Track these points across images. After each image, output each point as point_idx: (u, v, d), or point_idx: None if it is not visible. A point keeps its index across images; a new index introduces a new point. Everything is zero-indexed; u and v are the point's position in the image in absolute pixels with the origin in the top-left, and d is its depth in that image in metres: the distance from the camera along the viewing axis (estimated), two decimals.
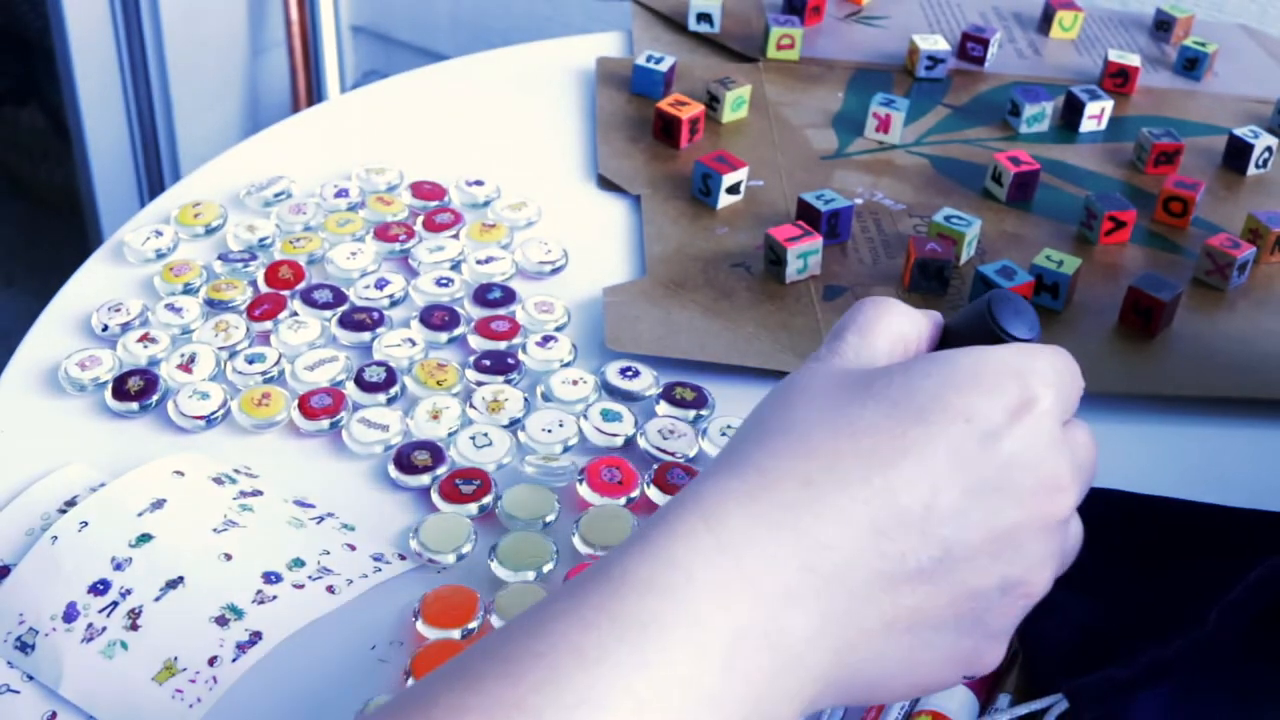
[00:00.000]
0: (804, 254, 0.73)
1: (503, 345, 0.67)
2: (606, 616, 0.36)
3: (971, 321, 0.45)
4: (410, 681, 0.50)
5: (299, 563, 0.53)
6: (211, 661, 0.49)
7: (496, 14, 1.61)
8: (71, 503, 0.56)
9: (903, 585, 0.39)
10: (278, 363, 0.65)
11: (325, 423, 0.62)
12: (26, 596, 0.51)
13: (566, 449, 0.62)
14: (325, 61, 1.65)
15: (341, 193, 0.77)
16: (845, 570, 0.38)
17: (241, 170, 0.80)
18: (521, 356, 0.67)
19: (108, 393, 0.63)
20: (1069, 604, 0.54)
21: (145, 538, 0.52)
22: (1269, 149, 0.86)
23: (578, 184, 0.82)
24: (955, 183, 0.83)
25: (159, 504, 0.54)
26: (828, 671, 0.39)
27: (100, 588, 0.51)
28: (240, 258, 0.71)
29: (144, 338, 0.66)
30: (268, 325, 0.67)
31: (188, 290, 0.69)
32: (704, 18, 0.97)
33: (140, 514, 0.53)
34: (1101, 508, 0.60)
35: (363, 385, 0.64)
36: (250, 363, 0.65)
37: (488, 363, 0.66)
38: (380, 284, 0.70)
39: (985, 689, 0.52)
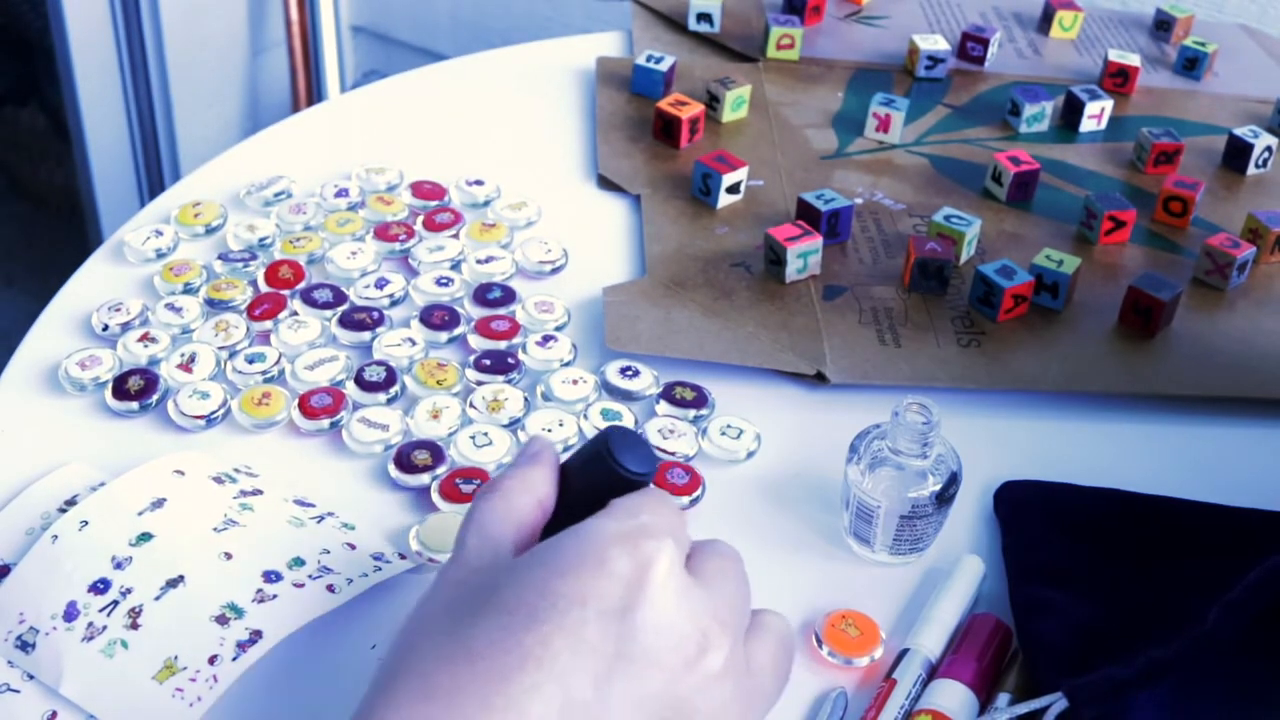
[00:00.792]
0: (804, 254, 0.73)
1: (503, 345, 0.67)
2: None
3: (589, 462, 0.45)
4: None
5: (299, 562, 0.53)
6: (212, 660, 0.49)
7: (496, 14, 1.61)
8: (72, 501, 0.56)
9: None
10: (278, 362, 0.65)
11: (325, 422, 0.62)
12: (27, 596, 0.51)
13: (566, 449, 0.62)
14: (325, 61, 1.65)
15: (341, 193, 0.77)
16: None
17: (241, 170, 0.80)
18: (521, 356, 0.67)
19: (108, 392, 0.63)
20: (1068, 604, 0.54)
21: (145, 536, 0.52)
22: (1269, 149, 0.86)
23: (578, 184, 0.82)
24: (955, 182, 0.83)
25: (159, 503, 0.54)
26: None
27: (100, 587, 0.51)
28: (240, 257, 0.71)
29: (144, 337, 0.66)
30: (268, 325, 0.67)
31: (188, 290, 0.69)
32: (704, 18, 0.97)
33: (140, 513, 0.53)
34: (1101, 508, 0.61)
35: (363, 385, 0.64)
36: (250, 362, 0.65)
37: (488, 362, 0.66)
38: (380, 284, 0.70)
39: (985, 688, 0.52)
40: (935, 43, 0.94)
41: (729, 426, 0.63)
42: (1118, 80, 0.94)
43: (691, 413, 0.64)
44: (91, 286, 0.70)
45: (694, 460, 0.62)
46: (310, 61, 1.64)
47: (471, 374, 0.65)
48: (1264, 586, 0.52)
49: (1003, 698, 0.51)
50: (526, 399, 0.64)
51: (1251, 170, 0.86)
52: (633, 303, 0.70)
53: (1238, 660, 0.51)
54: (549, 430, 0.62)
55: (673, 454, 0.62)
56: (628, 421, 0.63)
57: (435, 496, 0.59)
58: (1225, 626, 0.51)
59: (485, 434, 0.62)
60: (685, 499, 0.59)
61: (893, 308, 0.72)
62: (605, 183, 0.81)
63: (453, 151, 0.84)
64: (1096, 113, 0.89)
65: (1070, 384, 0.68)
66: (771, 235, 0.73)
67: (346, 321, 0.68)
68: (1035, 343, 0.70)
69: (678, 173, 0.82)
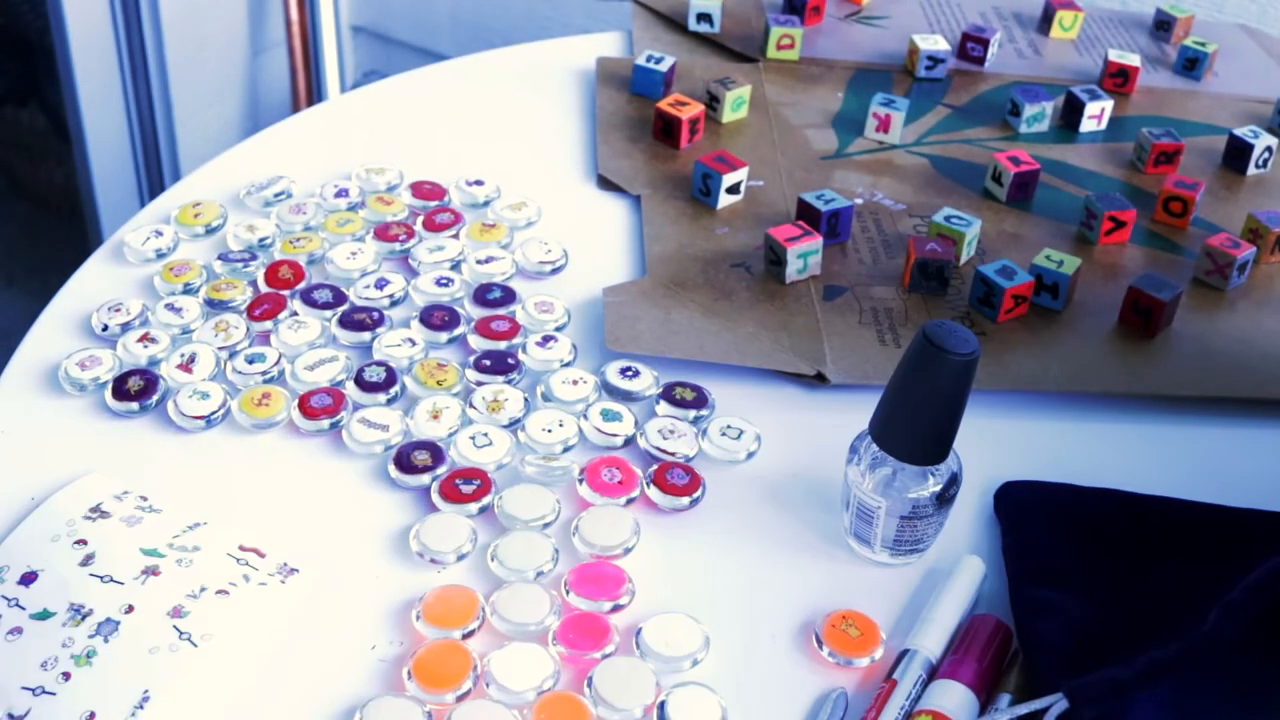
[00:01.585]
0: (804, 254, 0.73)
1: (503, 345, 0.67)
2: None
3: None
4: (410, 681, 0.50)
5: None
6: None
7: (496, 14, 1.61)
8: (96, 509, 0.56)
9: None
10: (278, 363, 0.65)
11: (325, 423, 0.62)
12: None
13: (566, 449, 0.62)
14: (325, 61, 1.65)
15: (341, 193, 0.77)
16: None
17: (241, 170, 0.80)
18: (521, 356, 0.67)
19: (108, 393, 0.63)
20: (1068, 604, 0.55)
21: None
22: (1269, 149, 0.86)
23: (578, 184, 0.82)
24: (955, 183, 0.83)
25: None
26: None
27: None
28: (240, 258, 0.71)
29: (144, 338, 0.66)
30: (268, 325, 0.67)
31: (188, 290, 0.69)
32: (704, 18, 0.97)
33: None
34: (1101, 508, 0.61)
35: (363, 385, 0.64)
36: (250, 363, 0.65)
37: (488, 363, 0.66)
38: (380, 284, 0.70)
39: (985, 689, 0.52)
40: (935, 43, 0.94)
41: (729, 427, 0.63)
42: (1118, 80, 0.94)
43: (691, 413, 0.64)
44: (91, 286, 0.70)
45: (694, 461, 0.62)
46: (310, 61, 1.64)
47: (471, 374, 0.65)
48: (1264, 587, 0.52)
49: (1003, 698, 0.51)
50: (526, 399, 0.64)
51: (1251, 170, 0.86)
52: (633, 303, 0.70)
53: (1238, 660, 0.51)
54: (549, 431, 0.62)
55: (673, 454, 0.62)
56: (627, 422, 0.63)
57: (435, 497, 0.59)
58: (1225, 627, 0.51)
59: (485, 434, 0.62)
60: (685, 499, 0.59)
61: (893, 308, 0.72)
62: (605, 183, 0.81)
63: (453, 151, 0.84)
64: (1096, 113, 0.89)
65: (1070, 384, 0.68)
66: (771, 235, 0.73)
67: (346, 322, 0.68)
68: (1035, 343, 0.70)
69: (678, 173, 0.82)
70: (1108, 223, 0.78)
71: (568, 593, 0.55)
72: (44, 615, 0.51)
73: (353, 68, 1.75)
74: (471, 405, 0.63)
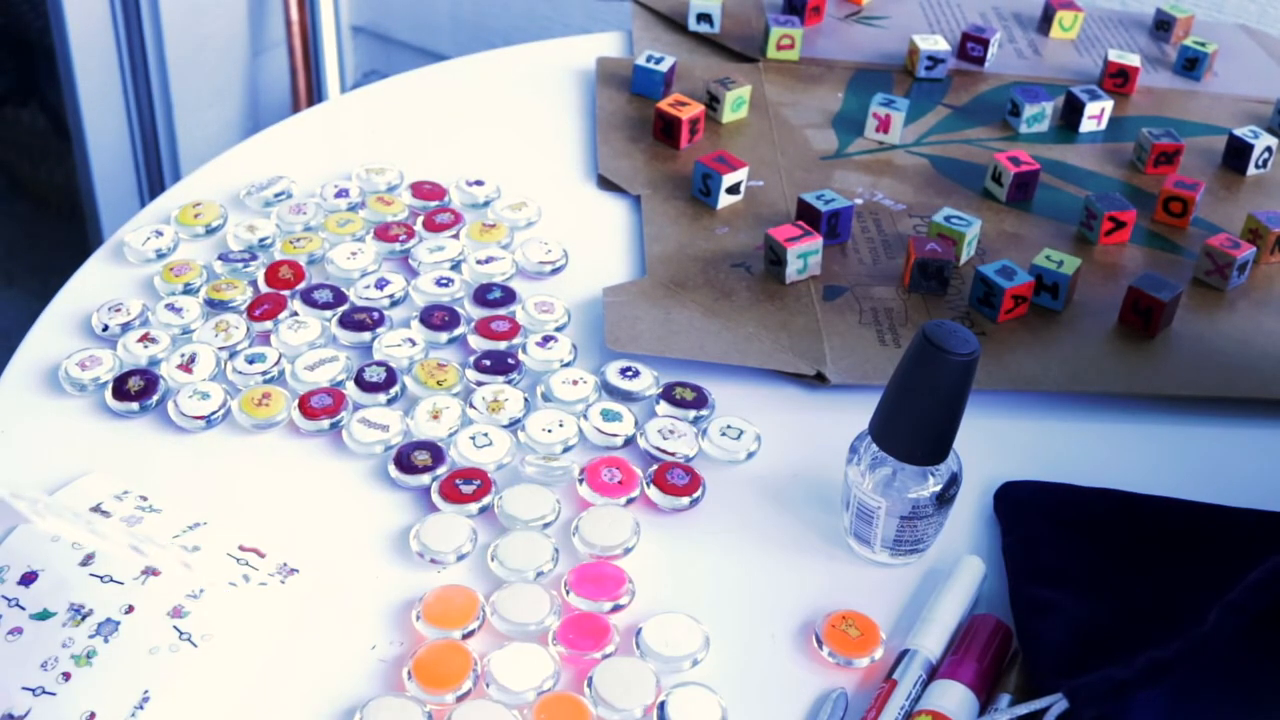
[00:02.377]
0: (804, 254, 0.73)
1: (503, 345, 0.67)
2: None
3: None
4: (410, 681, 0.50)
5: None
6: None
7: (496, 14, 1.61)
8: (97, 509, 0.56)
9: None
10: (278, 363, 0.65)
11: (325, 423, 0.62)
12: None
13: (566, 449, 0.62)
14: (325, 61, 1.65)
15: (341, 193, 0.77)
16: None
17: (241, 170, 0.80)
18: (521, 356, 0.67)
19: (108, 393, 0.63)
20: (1068, 604, 0.55)
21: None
22: (1269, 149, 0.86)
23: (578, 184, 0.82)
24: (955, 183, 0.83)
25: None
26: None
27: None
28: (240, 258, 0.71)
29: (144, 338, 0.66)
30: (268, 325, 0.67)
31: (188, 290, 0.69)
32: (704, 18, 0.97)
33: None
34: (1101, 507, 0.61)
35: (363, 385, 0.64)
36: (250, 363, 0.65)
37: (488, 363, 0.66)
38: (380, 284, 0.70)
39: (985, 689, 0.52)
40: (935, 43, 0.94)
41: (729, 427, 0.63)
42: (1118, 80, 0.94)
43: (691, 413, 0.64)
44: (91, 286, 0.70)
45: (694, 461, 0.62)
46: (310, 61, 1.64)
47: (471, 374, 0.65)
48: (1264, 586, 0.52)
49: (1003, 698, 0.51)
50: (526, 399, 0.64)
51: (1251, 170, 0.86)
52: (633, 303, 0.70)
53: (1238, 660, 0.51)
54: (549, 431, 0.62)
55: (673, 454, 0.62)
56: (627, 422, 0.63)
57: (435, 497, 0.59)
58: (1225, 626, 0.51)
59: (485, 434, 0.62)
60: (685, 499, 0.59)
61: (893, 308, 0.72)
62: (605, 183, 0.81)
63: (453, 151, 0.84)
64: (1096, 113, 0.89)
65: (1070, 384, 0.68)
66: (771, 235, 0.73)
67: (346, 322, 0.68)
68: (1035, 343, 0.70)
69: (678, 173, 0.82)
70: (1108, 223, 0.78)
71: (568, 593, 0.55)
72: (44, 615, 0.51)
73: (353, 68, 1.75)
74: (471, 405, 0.63)
